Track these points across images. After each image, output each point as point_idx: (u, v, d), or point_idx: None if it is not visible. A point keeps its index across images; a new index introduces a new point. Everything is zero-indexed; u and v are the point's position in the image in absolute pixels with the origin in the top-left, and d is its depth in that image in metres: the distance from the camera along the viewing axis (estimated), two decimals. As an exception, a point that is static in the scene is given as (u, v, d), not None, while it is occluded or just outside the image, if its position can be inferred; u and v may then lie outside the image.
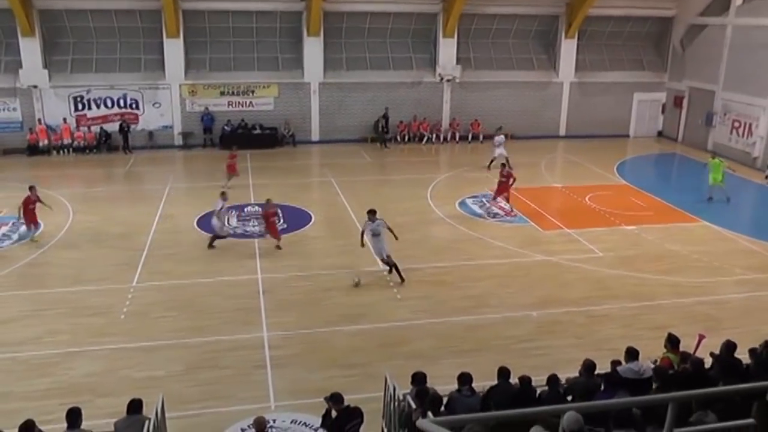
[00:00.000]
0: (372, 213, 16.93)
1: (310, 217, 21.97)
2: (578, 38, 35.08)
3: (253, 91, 32.75)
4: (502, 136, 28.67)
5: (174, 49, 31.57)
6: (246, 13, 31.91)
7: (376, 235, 16.72)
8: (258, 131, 32.59)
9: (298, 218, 21.78)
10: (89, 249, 19.19)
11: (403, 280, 16.67)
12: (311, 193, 25.59)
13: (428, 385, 9.17)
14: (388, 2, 32.50)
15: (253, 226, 20.93)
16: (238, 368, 12.78)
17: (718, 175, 23.87)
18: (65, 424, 8.42)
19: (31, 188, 19.80)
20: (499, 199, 22.91)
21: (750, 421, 6.36)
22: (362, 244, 17.07)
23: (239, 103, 32.78)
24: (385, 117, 33.46)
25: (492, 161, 27.92)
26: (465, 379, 9.12)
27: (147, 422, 8.71)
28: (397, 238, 16.82)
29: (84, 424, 8.57)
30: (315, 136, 33.73)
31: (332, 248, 19.50)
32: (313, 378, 12.40)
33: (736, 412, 6.70)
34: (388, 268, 17.11)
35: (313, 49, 32.62)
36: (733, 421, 6.53)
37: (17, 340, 13.83)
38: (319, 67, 32.91)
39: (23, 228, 19.83)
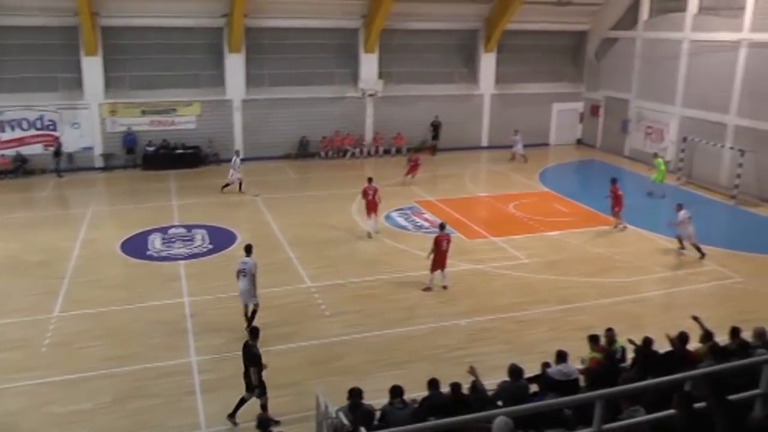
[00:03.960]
0: (246, 249, 15.37)
1: (236, 237, 21.55)
2: (497, 51, 35.84)
3: (174, 110, 32.09)
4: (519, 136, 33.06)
5: (93, 67, 30.55)
6: (166, 29, 31.12)
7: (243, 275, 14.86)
8: (180, 150, 31.96)
9: (223, 238, 21.40)
10: (7, 278, 18.34)
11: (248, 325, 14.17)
12: (237, 212, 25.12)
13: (364, 400, 9.13)
14: (310, 18, 32.28)
15: (178, 248, 20.49)
16: (168, 396, 12.41)
17: (660, 175, 26.54)
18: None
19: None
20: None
21: (671, 412, 6.54)
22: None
23: (161, 122, 32.03)
24: (434, 125, 34.79)
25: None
26: (396, 391, 9.16)
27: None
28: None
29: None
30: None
31: (261, 267, 19.19)
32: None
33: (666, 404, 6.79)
34: None
35: (234, 65, 32.25)
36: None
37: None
38: (241, 83, 32.52)
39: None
